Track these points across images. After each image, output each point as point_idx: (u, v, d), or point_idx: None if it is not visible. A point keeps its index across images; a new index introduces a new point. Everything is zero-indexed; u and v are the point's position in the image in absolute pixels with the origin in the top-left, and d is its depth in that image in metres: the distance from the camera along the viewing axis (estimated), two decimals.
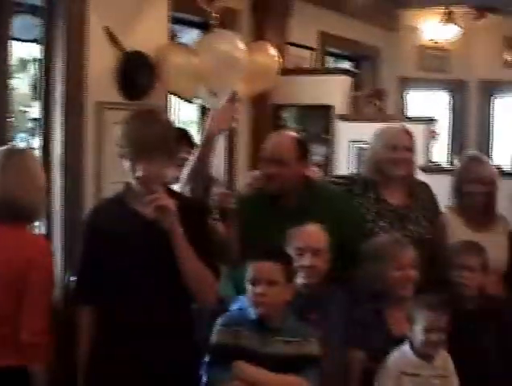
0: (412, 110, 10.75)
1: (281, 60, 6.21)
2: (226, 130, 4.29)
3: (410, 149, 4.20)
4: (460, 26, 10.38)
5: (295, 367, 3.15)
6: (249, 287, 3.19)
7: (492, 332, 3.76)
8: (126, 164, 2.98)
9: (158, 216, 2.90)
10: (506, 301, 3.95)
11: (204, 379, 3.19)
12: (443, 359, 3.46)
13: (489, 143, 11.17)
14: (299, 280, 3.46)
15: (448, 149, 11.15)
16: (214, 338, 3.19)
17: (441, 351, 3.46)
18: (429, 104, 11.38)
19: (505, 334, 3.79)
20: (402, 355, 3.43)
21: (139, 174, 2.92)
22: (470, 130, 11.19)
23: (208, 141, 3.90)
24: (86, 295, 3.14)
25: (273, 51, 6.11)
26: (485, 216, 4.26)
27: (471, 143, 10.84)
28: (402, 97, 10.81)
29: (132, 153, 2.93)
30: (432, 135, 7.17)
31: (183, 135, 4.55)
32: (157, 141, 2.92)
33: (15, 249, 3.11)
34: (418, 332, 3.40)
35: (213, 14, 5.60)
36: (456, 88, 11.29)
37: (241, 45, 5.62)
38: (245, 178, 4.04)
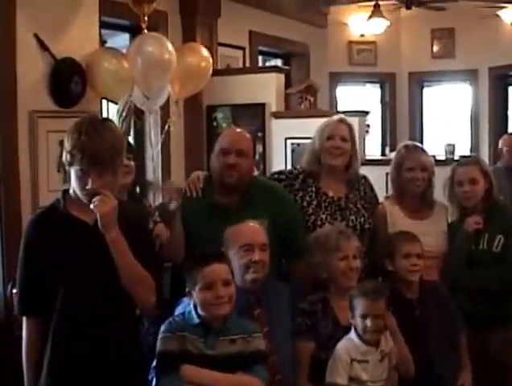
0: (344, 105, 10.86)
1: (212, 61, 6.23)
2: None
3: (347, 139, 4.20)
4: (388, 20, 10.50)
5: (244, 365, 3.16)
6: (202, 293, 3.15)
7: (433, 318, 3.82)
8: (75, 173, 2.94)
9: (98, 219, 2.88)
10: (443, 288, 4.01)
11: None
12: (388, 341, 3.52)
13: (422, 134, 11.34)
14: (249, 276, 3.48)
15: (381, 141, 11.30)
16: (159, 346, 3.16)
17: (385, 335, 3.51)
18: (360, 98, 11.52)
19: (445, 319, 3.85)
20: (349, 342, 3.47)
21: (89, 186, 2.89)
22: (401, 122, 11.34)
23: None
24: (30, 306, 3.08)
25: (204, 52, 6.12)
26: (424, 203, 4.31)
27: (403, 135, 10.98)
28: (333, 92, 10.91)
29: (83, 165, 2.88)
30: (366, 128, 7.27)
31: None
32: (110, 154, 2.89)
33: None
34: (358, 319, 3.46)
35: (143, 18, 5.57)
36: (385, 81, 11.43)
37: (171, 47, 5.61)
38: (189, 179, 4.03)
